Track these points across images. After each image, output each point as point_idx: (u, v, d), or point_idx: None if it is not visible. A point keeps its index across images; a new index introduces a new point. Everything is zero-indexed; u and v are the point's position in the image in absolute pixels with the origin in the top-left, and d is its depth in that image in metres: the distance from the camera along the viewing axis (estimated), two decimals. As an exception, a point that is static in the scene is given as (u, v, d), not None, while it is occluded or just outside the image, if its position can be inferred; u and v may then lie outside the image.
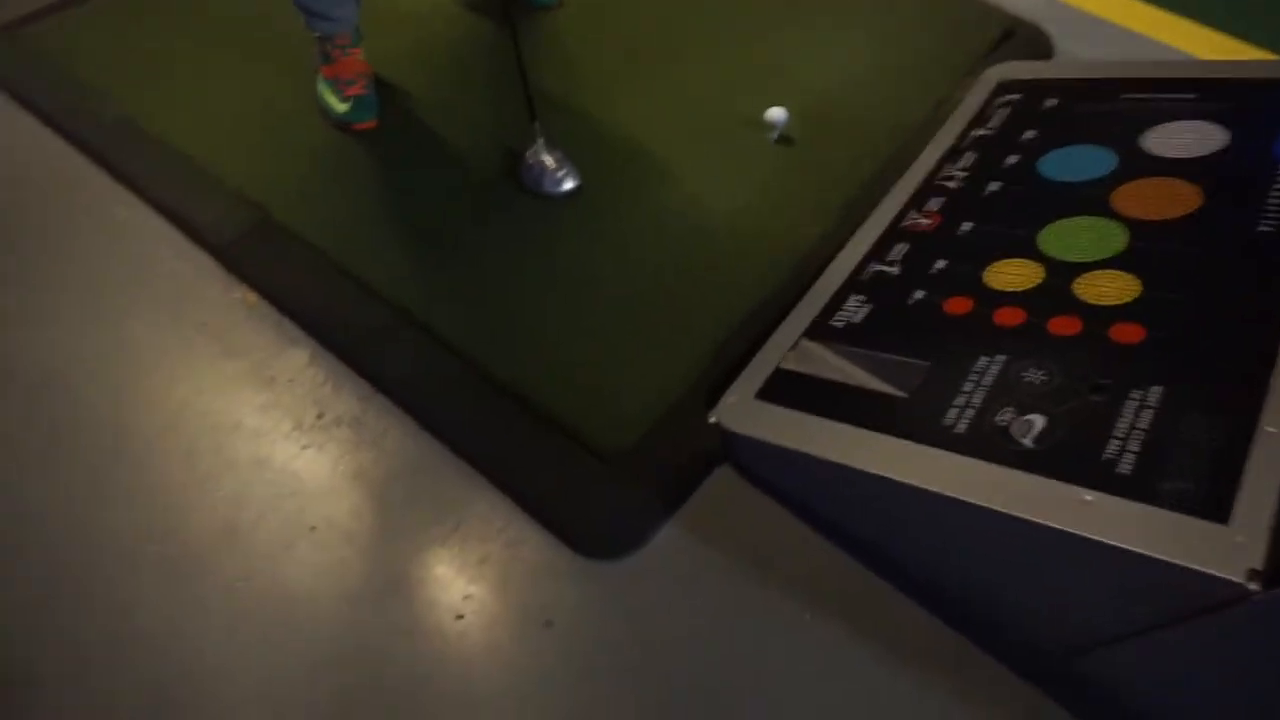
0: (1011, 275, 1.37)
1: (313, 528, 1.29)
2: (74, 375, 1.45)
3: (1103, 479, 1.03)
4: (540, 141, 1.68)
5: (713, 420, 1.32)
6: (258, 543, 1.27)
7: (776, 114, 1.73)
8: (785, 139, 1.76)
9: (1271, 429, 1.02)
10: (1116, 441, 1.08)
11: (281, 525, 1.29)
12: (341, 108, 1.79)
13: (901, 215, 1.60)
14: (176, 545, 1.27)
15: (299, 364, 1.46)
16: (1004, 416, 1.16)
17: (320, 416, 1.40)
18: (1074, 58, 2.00)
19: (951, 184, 1.63)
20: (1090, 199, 1.46)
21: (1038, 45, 2.04)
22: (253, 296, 1.51)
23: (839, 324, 1.41)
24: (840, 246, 1.56)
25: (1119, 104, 1.66)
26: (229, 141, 1.77)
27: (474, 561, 1.26)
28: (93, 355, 1.47)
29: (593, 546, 1.28)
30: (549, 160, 1.68)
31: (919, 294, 1.41)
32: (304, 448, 1.37)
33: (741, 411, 1.31)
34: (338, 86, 1.79)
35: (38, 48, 1.93)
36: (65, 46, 1.94)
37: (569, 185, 1.69)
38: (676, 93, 1.90)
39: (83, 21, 2.01)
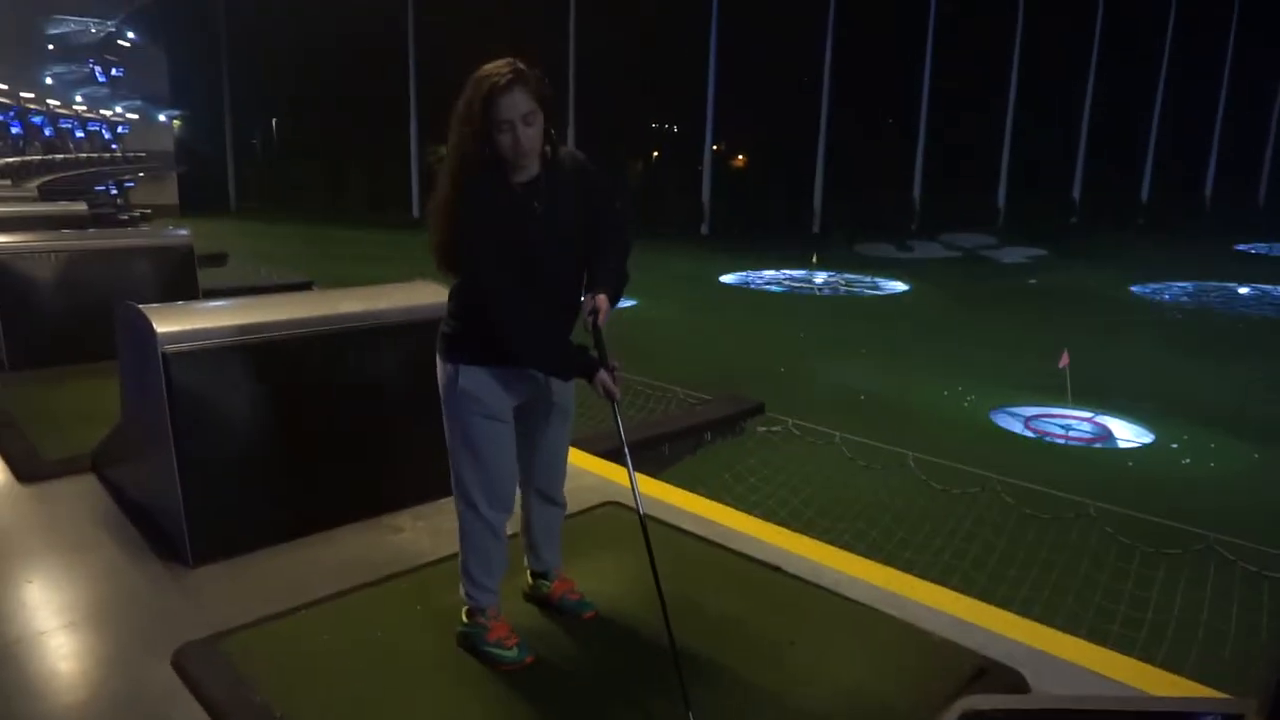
0: None
1: None
2: None
3: None
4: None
5: None
6: None
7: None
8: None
9: None
10: None
11: None
12: (511, 654, 2.47)
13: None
14: None
15: None
16: None
17: None
18: (1044, 694, 2.30)
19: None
20: None
21: (1011, 684, 2.36)
22: None
23: None
24: None
25: (1057, 730, 1.92)
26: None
27: None
28: None
29: None
30: None
31: None
32: None
33: None
34: (503, 642, 2.49)
35: (227, 652, 2.55)
36: (249, 653, 2.55)
37: None
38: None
39: (270, 634, 2.66)
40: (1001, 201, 27.57)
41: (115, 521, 3.49)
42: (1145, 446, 8.26)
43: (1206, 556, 4.29)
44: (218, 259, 12.49)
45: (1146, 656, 2.53)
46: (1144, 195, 30.89)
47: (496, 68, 2.25)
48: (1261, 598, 3.88)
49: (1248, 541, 4.37)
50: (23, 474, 3.99)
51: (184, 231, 6.42)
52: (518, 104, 2.23)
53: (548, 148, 2.36)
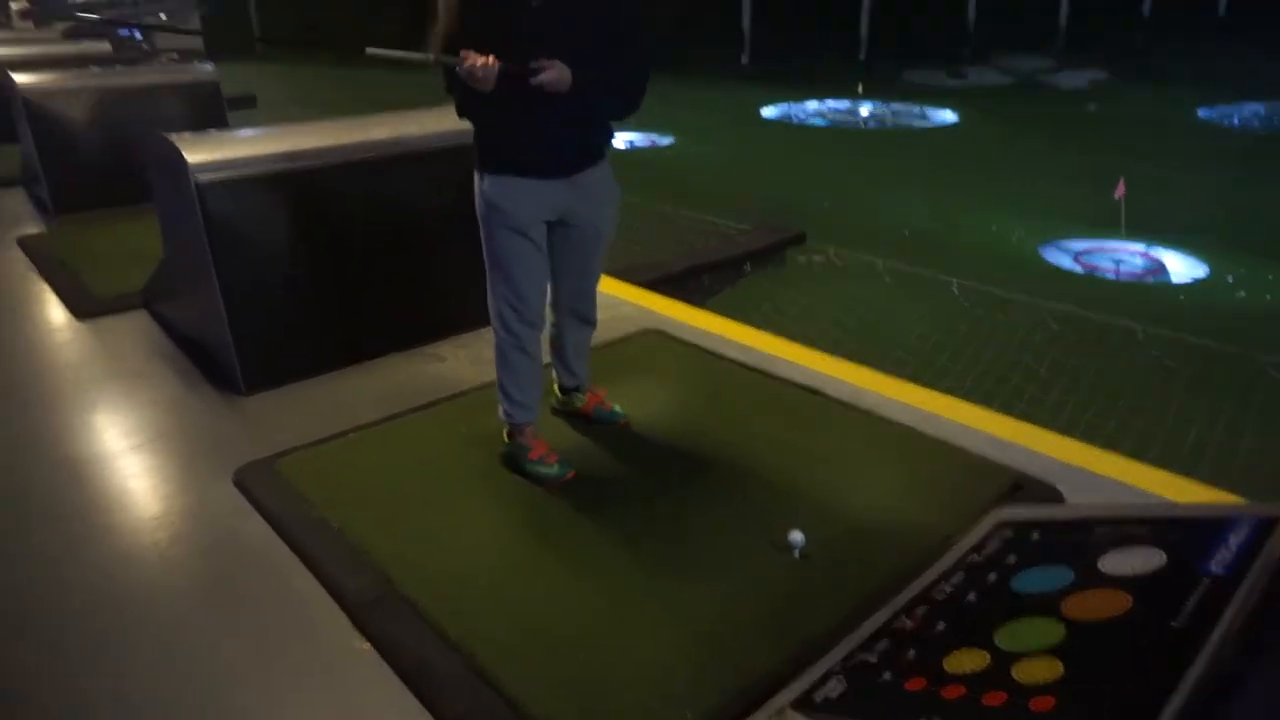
0: (964, 661, 1.61)
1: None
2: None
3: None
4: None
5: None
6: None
7: (796, 537, 2.16)
8: (805, 556, 2.15)
9: (1132, 774, 1.18)
10: (1009, 784, 1.25)
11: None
12: (552, 471, 2.54)
13: (892, 620, 1.88)
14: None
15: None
16: (924, 764, 1.35)
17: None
18: (1076, 504, 2.32)
19: (939, 596, 1.92)
20: (1044, 605, 1.71)
21: (1046, 497, 2.39)
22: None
23: (819, 699, 1.66)
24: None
25: (1089, 535, 1.95)
26: (391, 527, 2.35)
27: None
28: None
29: None
30: None
31: (887, 675, 1.65)
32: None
33: (722, 760, 1.55)
34: (545, 460, 2.56)
35: (284, 471, 2.70)
36: (304, 471, 2.69)
37: None
38: (723, 514, 2.38)
39: (323, 454, 2.80)
40: (1064, 19, 25.71)
41: (169, 353, 3.60)
42: (1199, 280, 7.98)
43: (1253, 380, 4.23)
44: (247, 101, 12.23)
45: (1187, 476, 2.53)
46: (1221, 7, 28.60)
47: None
48: (1308, 419, 3.84)
49: (1299, 367, 4.29)
50: (79, 311, 4.11)
51: (209, 66, 6.27)
52: None
53: None
